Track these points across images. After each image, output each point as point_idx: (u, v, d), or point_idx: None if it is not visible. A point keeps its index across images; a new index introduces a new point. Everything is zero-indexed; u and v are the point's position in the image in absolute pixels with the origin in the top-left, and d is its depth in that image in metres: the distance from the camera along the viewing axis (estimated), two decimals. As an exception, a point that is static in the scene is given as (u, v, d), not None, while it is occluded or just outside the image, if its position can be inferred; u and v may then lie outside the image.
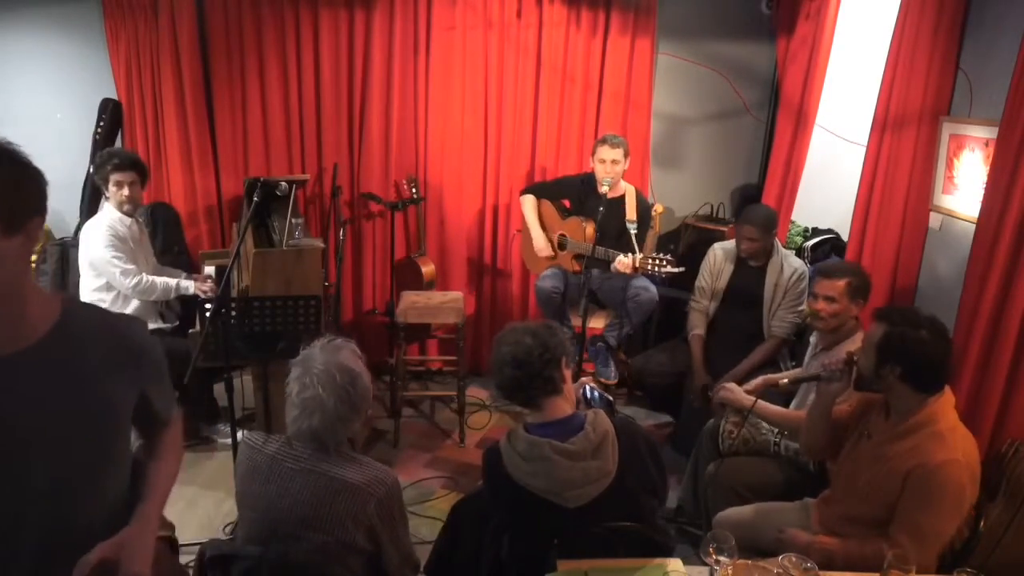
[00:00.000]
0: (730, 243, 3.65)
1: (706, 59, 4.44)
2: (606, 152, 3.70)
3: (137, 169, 3.48)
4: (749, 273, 3.54)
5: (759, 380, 2.87)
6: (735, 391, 2.81)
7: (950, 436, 1.98)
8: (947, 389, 2.06)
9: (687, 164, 4.64)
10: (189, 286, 3.54)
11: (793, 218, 4.12)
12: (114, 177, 3.39)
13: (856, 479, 2.15)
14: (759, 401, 2.63)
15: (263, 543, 1.79)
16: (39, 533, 1.30)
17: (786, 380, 2.65)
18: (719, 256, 3.65)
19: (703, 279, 3.68)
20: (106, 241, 3.37)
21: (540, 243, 3.95)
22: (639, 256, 3.34)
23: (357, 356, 1.92)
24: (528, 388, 1.90)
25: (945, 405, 2.04)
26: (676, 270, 3.29)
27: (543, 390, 1.91)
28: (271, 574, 1.71)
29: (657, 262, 3.30)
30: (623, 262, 3.39)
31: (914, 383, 2.03)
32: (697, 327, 3.66)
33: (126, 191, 3.43)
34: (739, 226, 3.50)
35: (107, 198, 3.46)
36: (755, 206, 3.69)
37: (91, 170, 4.07)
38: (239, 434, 2.88)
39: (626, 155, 3.75)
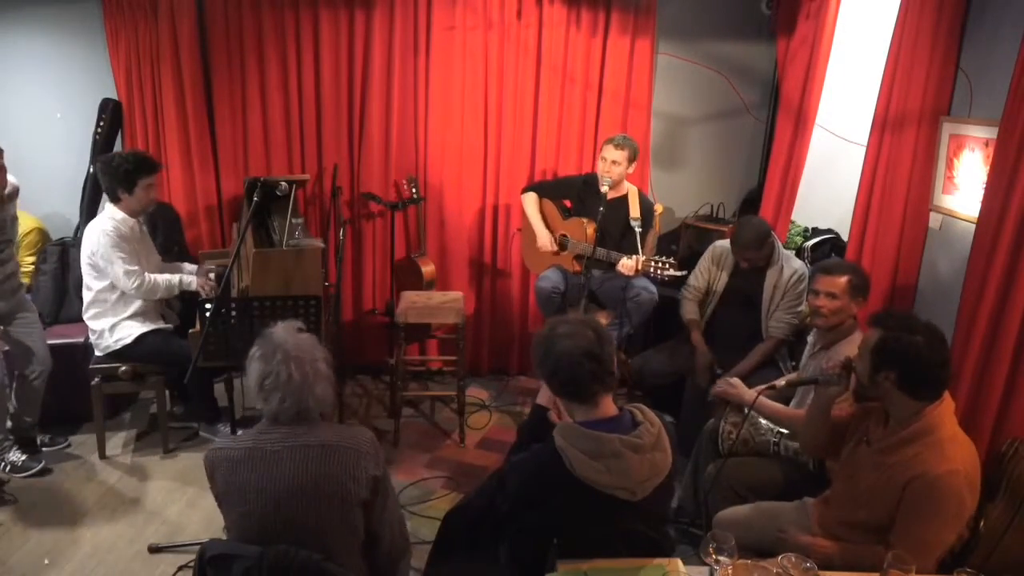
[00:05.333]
0: (727, 242, 3.65)
1: (706, 59, 4.44)
2: (609, 152, 3.72)
3: (160, 170, 3.55)
4: (748, 274, 3.54)
5: (759, 389, 2.86)
6: (739, 386, 2.81)
7: (950, 446, 1.97)
8: (946, 396, 2.04)
9: (687, 164, 4.64)
10: (192, 281, 3.56)
11: (793, 218, 4.11)
12: (145, 181, 3.41)
13: (855, 485, 2.15)
14: (760, 397, 2.63)
15: (263, 533, 1.80)
16: None
17: (783, 383, 2.65)
18: (717, 256, 3.64)
19: (698, 276, 3.68)
20: (110, 242, 3.37)
21: (543, 239, 3.94)
22: (642, 258, 3.34)
23: (302, 329, 2.00)
24: (599, 381, 1.88)
25: (944, 413, 2.02)
26: (679, 273, 3.29)
27: (607, 384, 1.90)
28: (271, 574, 1.71)
29: (660, 265, 3.30)
30: (627, 264, 3.39)
31: (909, 390, 2.01)
32: (691, 314, 3.67)
33: (153, 193, 3.48)
34: (733, 248, 3.47)
35: (118, 200, 3.43)
36: (743, 224, 3.47)
37: (91, 169, 4.08)
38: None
39: (631, 159, 3.75)
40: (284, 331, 1.94)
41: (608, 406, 1.91)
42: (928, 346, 1.98)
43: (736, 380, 2.88)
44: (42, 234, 4.12)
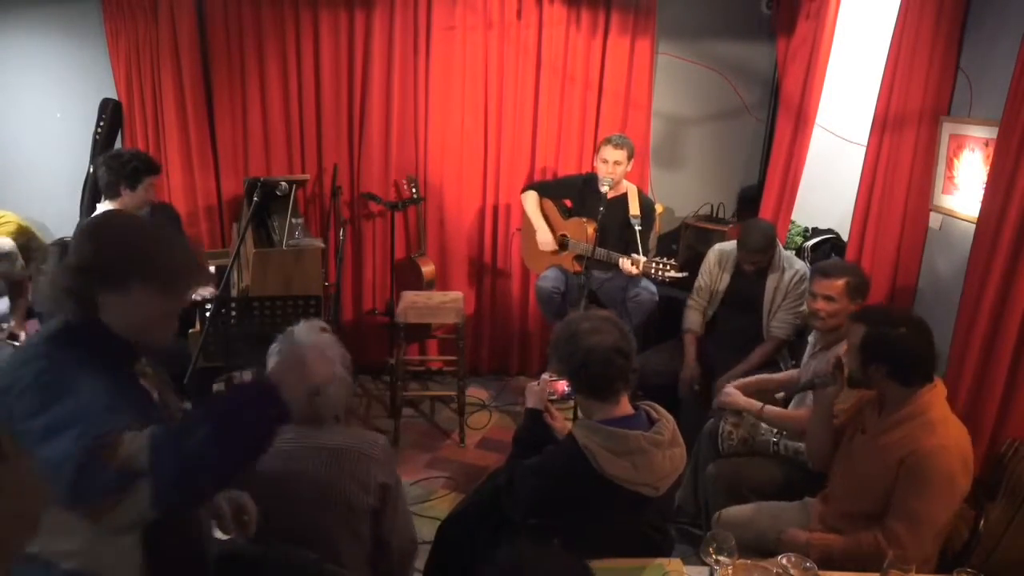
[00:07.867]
0: (729, 245, 3.64)
1: (706, 59, 4.44)
2: (609, 152, 3.70)
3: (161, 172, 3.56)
4: (749, 278, 3.52)
5: (752, 379, 2.87)
6: (736, 395, 2.80)
7: (941, 425, 2.03)
8: (938, 381, 2.10)
9: (687, 164, 4.64)
10: None
11: (793, 218, 4.11)
12: (149, 180, 3.41)
13: (852, 474, 2.18)
14: (766, 407, 2.64)
15: (272, 532, 1.78)
16: None
17: (782, 394, 2.65)
18: (718, 259, 3.64)
19: (703, 279, 3.67)
20: None
21: (544, 236, 3.93)
22: (643, 259, 3.33)
23: (325, 329, 1.97)
24: (624, 379, 1.89)
25: (936, 396, 2.08)
26: (680, 275, 3.28)
27: (629, 382, 1.91)
28: (272, 574, 1.71)
29: (661, 266, 3.29)
30: (626, 265, 3.39)
31: (901, 379, 2.07)
32: (692, 324, 3.65)
33: (153, 193, 3.49)
34: (740, 251, 3.45)
35: (118, 196, 3.42)
36: (751, 228, 3.46)
37: (92, 169, 4.07)
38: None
39: (630, 157, 3.74)
40: (305, 330, 1.91)
41: (625, 404, 1.92)
42: (912, 336, 2.05)
43: (731, 389, 2.86)
44: (20, 229, 3.83)
